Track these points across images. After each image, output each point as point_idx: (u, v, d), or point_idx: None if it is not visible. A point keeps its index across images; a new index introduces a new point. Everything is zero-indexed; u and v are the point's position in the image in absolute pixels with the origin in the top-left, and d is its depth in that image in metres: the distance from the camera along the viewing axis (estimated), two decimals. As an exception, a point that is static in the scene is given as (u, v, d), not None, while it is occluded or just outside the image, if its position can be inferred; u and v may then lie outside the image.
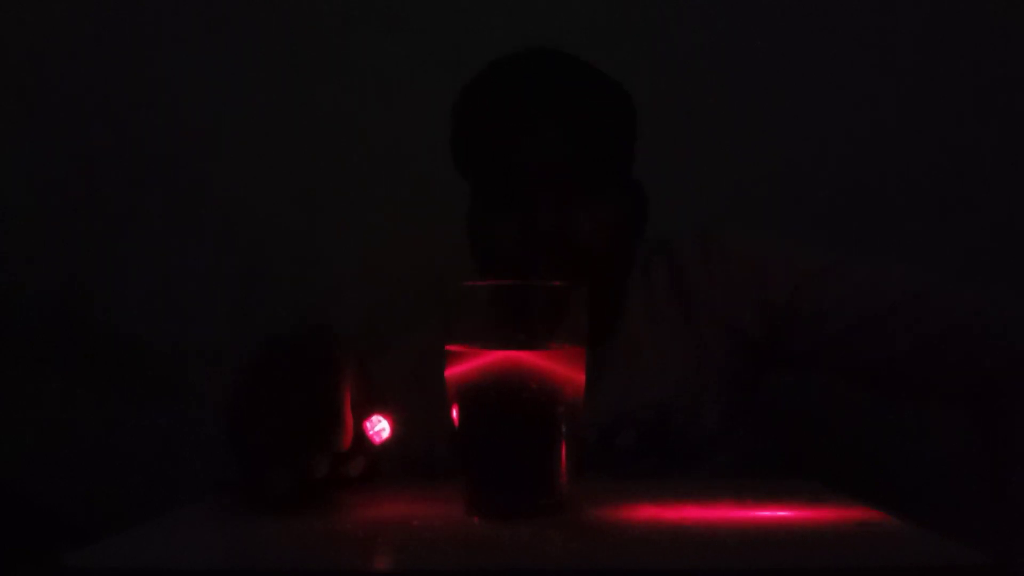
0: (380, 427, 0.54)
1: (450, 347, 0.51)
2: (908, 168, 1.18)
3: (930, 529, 0.45)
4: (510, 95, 0.80)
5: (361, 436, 0.53)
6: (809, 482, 0.60)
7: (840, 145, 1.19)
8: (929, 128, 1.18)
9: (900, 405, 1.09)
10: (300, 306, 1.22)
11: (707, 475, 0.81)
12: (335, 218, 1.22)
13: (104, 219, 1.24)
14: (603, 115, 0.81)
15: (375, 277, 1.21)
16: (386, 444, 0.54)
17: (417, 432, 0.57)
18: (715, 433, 0.83)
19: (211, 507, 0.53)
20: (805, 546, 0.44)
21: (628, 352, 0.84)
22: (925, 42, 1.19)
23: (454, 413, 0.51)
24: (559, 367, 0.49)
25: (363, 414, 0.53)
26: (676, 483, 0.62)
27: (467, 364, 0.49)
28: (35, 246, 1.24)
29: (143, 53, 1.24)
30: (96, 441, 1.23)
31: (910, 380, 0.78)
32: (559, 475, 0.50)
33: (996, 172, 1.18)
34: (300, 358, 0.52)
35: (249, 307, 1.23)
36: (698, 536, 0.45)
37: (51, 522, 1.15)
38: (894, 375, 0.78)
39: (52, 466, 1.22)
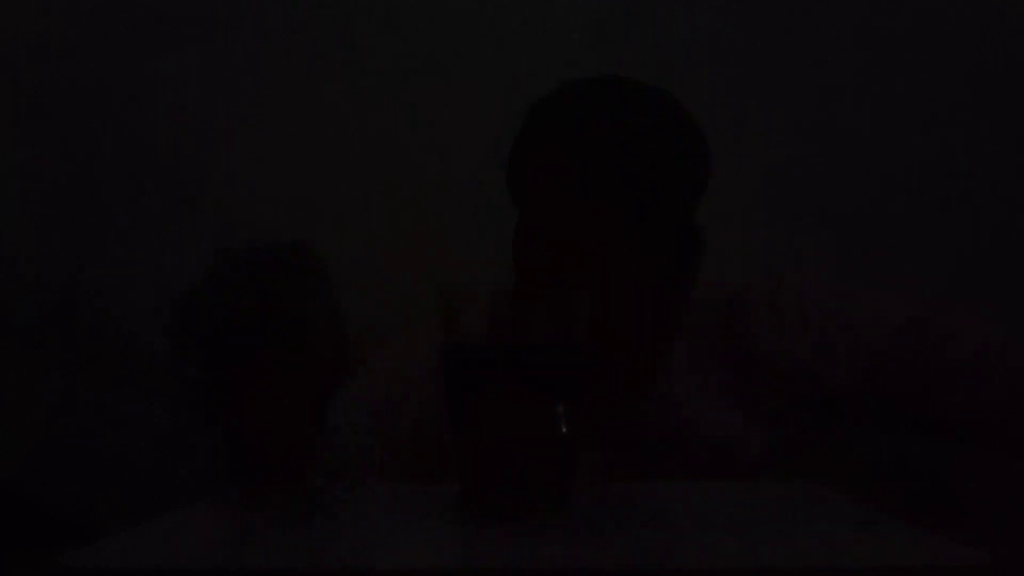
0: None
1: (450, 347, 0.51)
2: (911, 171, 1.18)
3: (930, 529, 0.45)
4: (571, 163, 0.73)
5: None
6: (810, 482, 0.60)
7: (844, 149, 1.19)
8: (929, 130, 1.18)
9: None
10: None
11: (705, 478, 0.80)
12: (335, 218, 1.22)
13: (104, 218, 1.24)
14: (671, 181, 0.73)
15: (375, 277, 1.21)
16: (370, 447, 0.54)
17: (416, 432, 0.57)
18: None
19: (211, 507, 0.53)
20: (806, 546, 0.43)
21: (664, 415, 0.78)
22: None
23: (454, 413, 0.51)
24: (559, 367, 0.49)
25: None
26: (676, 483, 0.62)
27: (467, 364, 0.49)
28: (35, 246, 1.24)
29: (143, 51, 1.23)
30: (96, 441, 1.22)
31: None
32: (559, 475, 0.50)
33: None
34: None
35: (249, 307, 1.22)
36: (698, 536, 0.45)
37: (51, 522, 1.15)
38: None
39: (52, 466, 1.22)
